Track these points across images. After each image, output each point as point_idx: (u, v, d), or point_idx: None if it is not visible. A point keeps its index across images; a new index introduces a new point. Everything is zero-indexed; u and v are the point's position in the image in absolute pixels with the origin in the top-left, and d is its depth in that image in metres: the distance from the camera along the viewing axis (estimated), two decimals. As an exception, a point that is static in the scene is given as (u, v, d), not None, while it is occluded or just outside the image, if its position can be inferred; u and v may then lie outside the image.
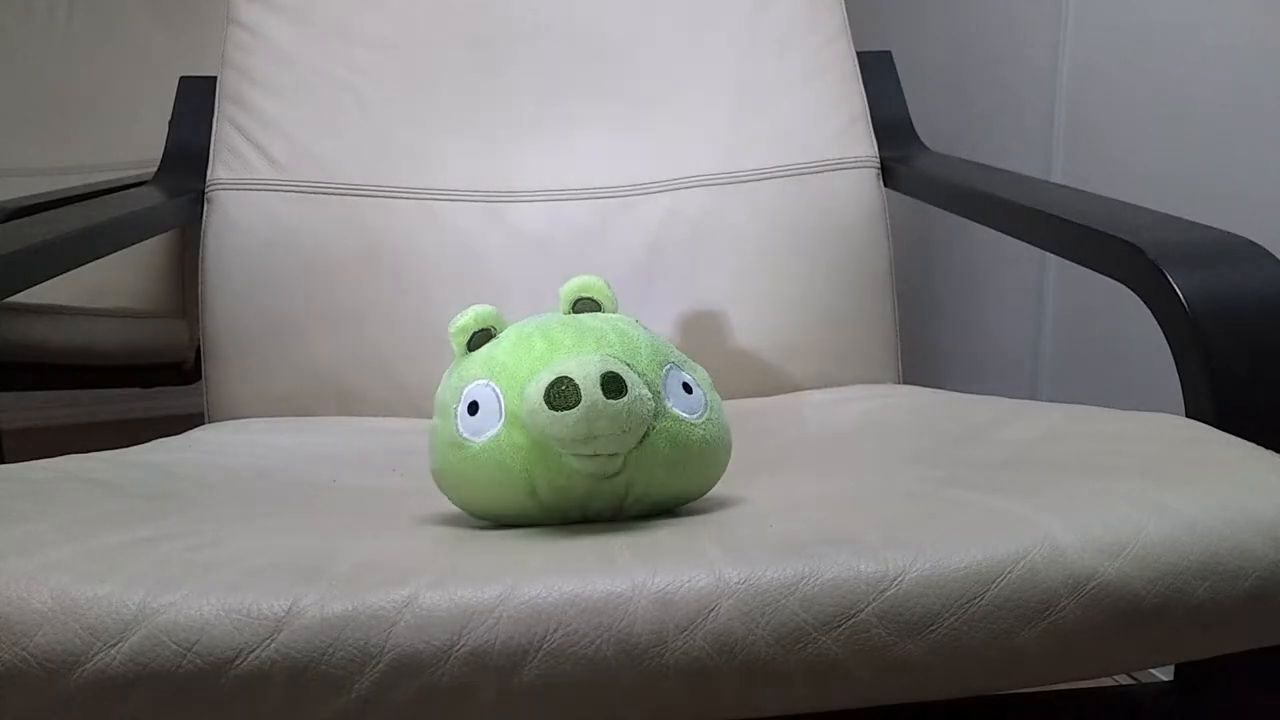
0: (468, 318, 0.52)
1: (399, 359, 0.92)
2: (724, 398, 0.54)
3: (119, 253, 0.86)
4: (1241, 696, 0.54)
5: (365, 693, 0.37)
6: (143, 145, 1.63)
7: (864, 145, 1.00)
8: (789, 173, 0.98)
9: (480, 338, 0.51)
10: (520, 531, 0.47)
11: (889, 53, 1.10)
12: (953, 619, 0.38)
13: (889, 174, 0.99)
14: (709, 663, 0.38)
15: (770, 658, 0.38)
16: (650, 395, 0.46)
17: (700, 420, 0.48)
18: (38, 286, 0.71)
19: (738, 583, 0.38)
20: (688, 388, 0.49)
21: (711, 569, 0.39)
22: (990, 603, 0.39)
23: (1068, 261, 0.77)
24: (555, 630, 0.37)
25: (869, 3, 1.46)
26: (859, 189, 0.98)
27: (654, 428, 0.46)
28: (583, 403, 0.44)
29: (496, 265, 0.95)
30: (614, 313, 0.53)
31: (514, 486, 0.46)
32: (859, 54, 1.04)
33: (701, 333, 0.95)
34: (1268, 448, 0.48)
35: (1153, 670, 0.88)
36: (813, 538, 0.41)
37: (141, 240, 0.89)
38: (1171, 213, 0.68)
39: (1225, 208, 0.91)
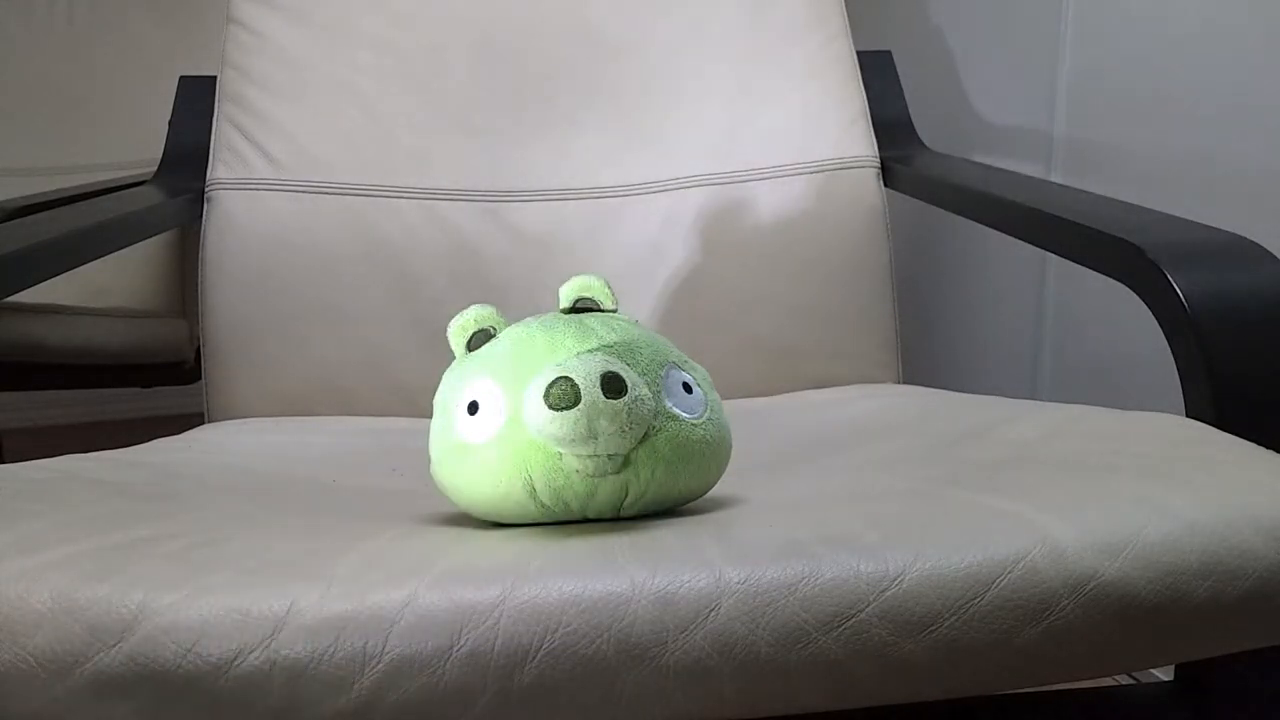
0: (467, 317, 0.51)
1: (399, 359, 0.92)
2: (724, 398, 0.54)
3: (119, 253, 0.86)
4: (1241, 696, 0.54)
5: (365, 693, 0.37)
6: (143, 145, 1.63)
7: (864, 145, 1.00)
8: (789, 173, 0.98)
9: (480, 338, 0.51)
10: (520, 531, 0.47)
11: (889, 53, 1.10)
12: (953, 619, 0.38)
13: (889, 174, 0.99)
14: (709, 663, 0.38)
15: (770, 658, 0.38)
16: (650, 395, 0.46)
17: (700, 420, 0.48)
18: (38, 286, 0.71)
19: (738, 583, 0.38)
20: (688, 388, 0.49)
21: (711, 569, 0.39)
22: (990, 603, 0.39)
23: (1068, 261, 0.77)
24: (555, 630, 0.37)
25: (869, 3, 1.46)
26: (859, 189, 0.98)
27: (654, 428, 0.46)
28: (582, 403, 0.44)
29: (496, 265, 0.95)
30: (614, 313, 0.53)
31: (514, 486, 0.46)
32: (859, 54, 1.04)
33: (701, 333, 0.95)
34: (1268, 448, 0.48)
35: (1153, 670, 0.88)
36: (813, 538, 0.41)
37: (141, 240, 0.89)
38: (1171, 212, 0.68)
39: (1225, 207, 0.91)
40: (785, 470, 0.63)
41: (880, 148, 1.00)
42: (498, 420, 0.47)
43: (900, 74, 1.09)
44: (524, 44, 1.00)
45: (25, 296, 0.86)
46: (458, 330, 0.52)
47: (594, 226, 0.97)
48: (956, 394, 0.79)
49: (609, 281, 0.54)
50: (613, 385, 0.44)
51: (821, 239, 0.97)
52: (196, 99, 1.02)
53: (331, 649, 0.37)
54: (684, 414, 0.48)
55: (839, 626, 0.38)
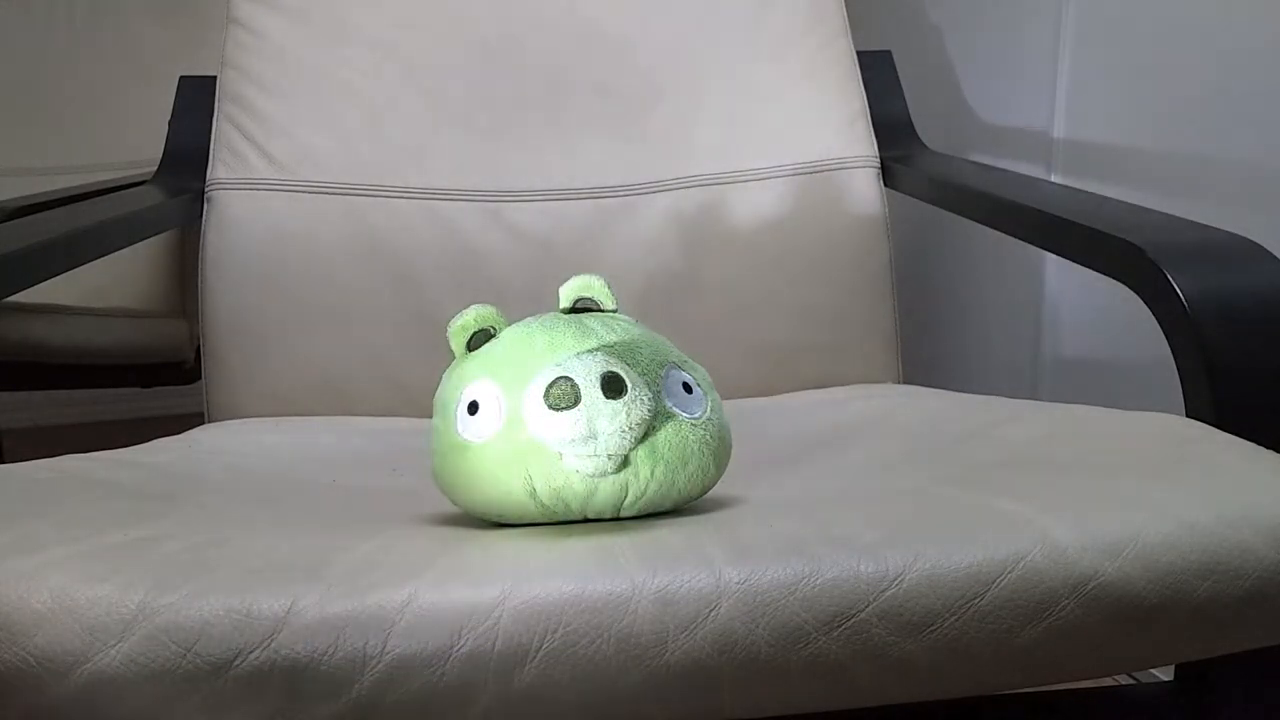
0: (468, 317, 0.51)
1: (399, 359, 0.92)
2: (724, 398, 0.54)
3: (119, 253, 0.86)
4: (1241, 696, 0.54)
5: (365, 693, 0.37)
6: (143, 145, 1.63)
7: (864, 145, 1.00)
8: (789, 172, 0.98)
9: (480, 338, 0.51)
10: (520, 531, 0.47)
11: (889, 53, 1.10)
12: (953, 619, 0.38)
13: (889, 174, 0.99)
14: (709, 663, 0.38)
15: (770, 658, 0.38)
16: (650, 395, 0.46)
17: (700, 420, 0.48)
18: (38, 286, 0.71)
19: (738, 583, 0.38)
20: (688, 388, 0.49)
21: (712, 569, 0.39)
22: (990, 603, 0.39)
23: (1068, 261, 0.77)
24: (555, 630, 0.37)
25: (869, 3, 1.46)
26: (859, 189, 0.98)
27: (654, 427, 0.46)
28: (582, 403, 0.44)
29: (496, 265, 0.95)
30: (614, 312, 0.53)
31: (514, 486, 0.46)
32: (859, 54, 1.03)
33: (701, 333, 0.95)
34: (1268, 448, 0.48)
35: (1153, 670, 0.88)
36: (813, 538, 0.41)
37: (141, 240, 0.89)
38: (1171, 212, 0.68)
39: (1225, 207, 0.91)
40: (785, 470, 0.63)
41: (880, 148, 1.00)
42: (497, 420, 0.47)
43: (900, 74, 1.09)
44: (524, 44, 1.00)
45: (25, 296, 0.86)
46: (458, 330, 0.52)
47: (594, 226, 0.96)
48: (956, 394, 0.79)
49: (609, 281, 0.54)
50: (613, 385, 0.44)
51: (821, 239, 0.97)
52: (196, 99, 1.02)
53: (331, 649, 0.37)
54: (684, 414, 0.48)
55: (839, 626, 0.38)
